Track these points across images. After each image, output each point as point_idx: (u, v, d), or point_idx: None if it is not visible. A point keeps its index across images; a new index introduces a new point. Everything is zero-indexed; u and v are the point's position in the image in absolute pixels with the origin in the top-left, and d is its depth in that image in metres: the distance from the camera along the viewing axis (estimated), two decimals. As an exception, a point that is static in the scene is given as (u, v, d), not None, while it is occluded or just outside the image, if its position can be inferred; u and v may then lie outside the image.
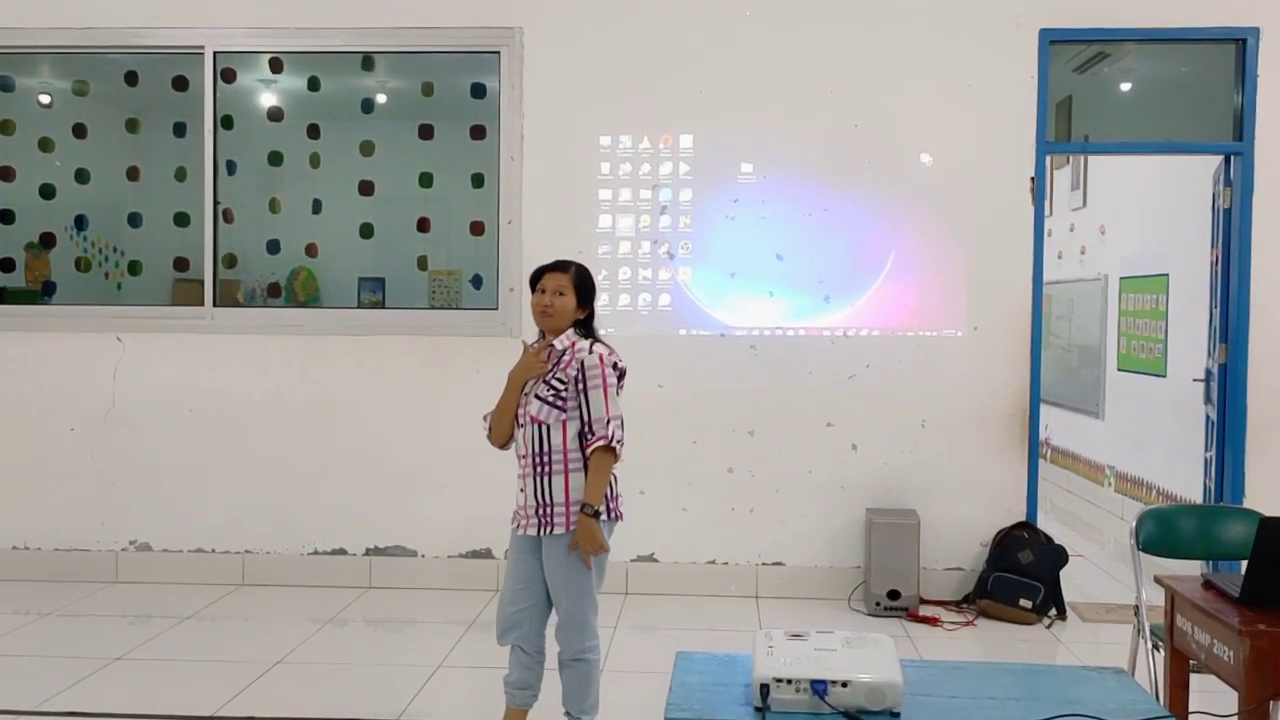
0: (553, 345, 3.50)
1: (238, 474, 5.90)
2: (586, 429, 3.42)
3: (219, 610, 5.46)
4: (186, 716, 4.02)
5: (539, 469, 3.46)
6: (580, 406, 3.43)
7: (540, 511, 3.47)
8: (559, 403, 3.43)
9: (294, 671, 4.59)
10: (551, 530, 3.47)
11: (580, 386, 3.42)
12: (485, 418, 3.59)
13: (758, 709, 2.38)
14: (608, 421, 3.39)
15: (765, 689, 2.37)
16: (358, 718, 4.04)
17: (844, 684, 2.36)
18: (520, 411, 3.48)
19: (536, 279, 3.55)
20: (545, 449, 3.46)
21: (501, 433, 3.55)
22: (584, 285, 3.53)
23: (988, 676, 2.70)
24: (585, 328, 3.55)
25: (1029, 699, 2.49)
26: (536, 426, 3.45)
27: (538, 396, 3.44)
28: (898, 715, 2.37)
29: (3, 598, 5.60)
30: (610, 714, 4.07)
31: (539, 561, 3.52)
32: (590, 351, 3.44)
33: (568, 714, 3.62)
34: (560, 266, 3.54)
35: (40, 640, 4.99)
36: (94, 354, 5.92)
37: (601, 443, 3.38)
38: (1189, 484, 6.70)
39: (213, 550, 5.92)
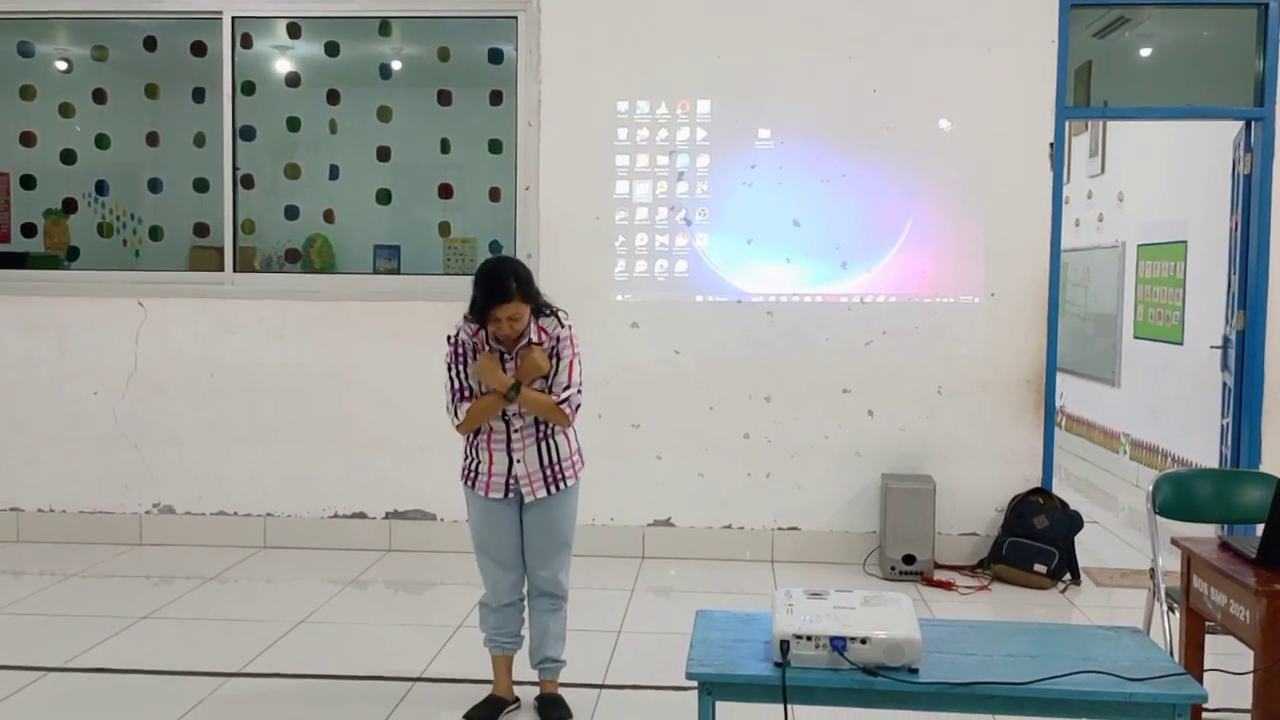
0: (530, 339, 3.50)
1: (258, 438, 5.95)
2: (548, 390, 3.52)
3: (241, 572, 5.53)
4: (212, 673, 4.09)
5: (543, 434, 3.57)
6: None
7: (549, 471, 3.58)
8: (549, 381, 3.55)
9: (316, 631, 4.65)
10: (562, 486, 3.60)
11: (554, 357, 3.52)
12: (450, 409, 3.55)
13: (778, 664, 2.42)
14: (572, 388, 3.53)
15: (785, 645, 2.42)
16: (380, 675, 4.10)
17: (863, 640, 2.40)
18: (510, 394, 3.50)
19: (484, 310, 3.41)
20: None
21: (472, 428, 3.57)
22: (531, 296, 3.47)
23: (1004, 635, 2.74)
24: (537, 312, 3.54)
25: (1045, 657, 2.53)
26: None
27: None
28: (915, 671, 2.42)
29: (30, 559, 5.70)
30: (629, 674, 4.15)
31: (518, 515, 3.62)
32: (562, 325, 3.55)
33: (550, 660, 3.72)
34: (504, 296, 3.37)
35: (67, 600, 5.08)
36: (116, 319, 5.96)
37: (561, 405, 3.51)
38: (1205, 451, 6.70)
39: (234, 513, 5.99)
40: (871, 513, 5.73)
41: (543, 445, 3.57)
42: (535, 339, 3.51)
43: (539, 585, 3.66)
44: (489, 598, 3.68)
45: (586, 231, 5.79)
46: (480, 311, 3.44)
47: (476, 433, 3.59)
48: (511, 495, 3.58)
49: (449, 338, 3.57)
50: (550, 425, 3.57)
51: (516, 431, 3.54)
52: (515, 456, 3.55)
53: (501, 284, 3.39)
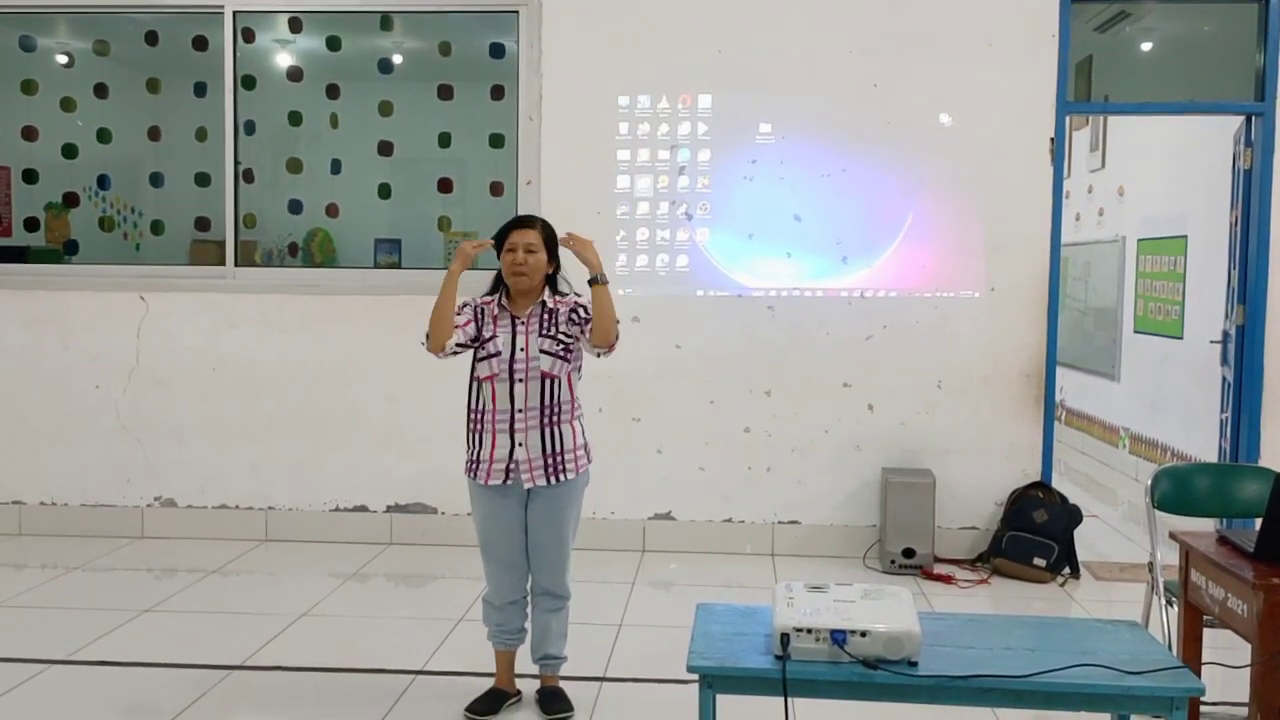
0: (543, 301, 3.58)
1: (259, 431, 5.96)
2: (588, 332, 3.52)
3: (243, 565, 5.55)
4: (214, 666, 4.11)
5: (548, 420, 3.55)
6: (583, 339, 3.55)
7: (551, 460, 3.55)
8: (566, 355, 3.54)
9: (318, 624, 4.67)
10: (563, 478, 3.57)
11: (582, 318, 3.54)
12: (427, 338, 3.58)
13: (778, 657, 2.44)
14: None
15: (786, 638, 2.43)
16: (382, 668, 4.12)
17: (863, 634, 2.42)
18: (519, 367, 3.51)
19: (503, 236, 3.58)
20: (554, 401, 3.56)
21: (440, 336, 3.53)
22: (552, 240, 3.61)
23: (1003, 628, 2.75)
24: (553, 283, 3.63)
25: (1044, 650, 2.55)
26: (547, 381, 3.53)
27: (544, 351, 3.52)
28: (915, 664, 2.43)
29: (32, 552, 5.72)
30: (630, 667, 4.16)
31: (522, 513, 3.60)
32: (578, 295, 3.62)
33: (551, 657, 3.74)
34: (527, 222, 3.61)
35: (69, 593, 5.09)
36: (118, 313, 5.97)
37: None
38: (1205, 446, 6.71)
39: (236, 506, 6.00)
40: (871, 507, 5.75)
41: (547, 432, 3.55)
42: (550, 305, 3.57)
43: (542, 585, 3.67)
44: (491, 595, 3.69)
45: (587, 226, 5.64)
46: (501, 236, 3.57)
47: (480, 416, 3.57)
48: (510, 482, 3.54)
49: None
50: (556, 413, 3.55)
51: (520, 412, 3.52)
52: (518, 440, 3.53)
53: (529, 216, 3.67)
